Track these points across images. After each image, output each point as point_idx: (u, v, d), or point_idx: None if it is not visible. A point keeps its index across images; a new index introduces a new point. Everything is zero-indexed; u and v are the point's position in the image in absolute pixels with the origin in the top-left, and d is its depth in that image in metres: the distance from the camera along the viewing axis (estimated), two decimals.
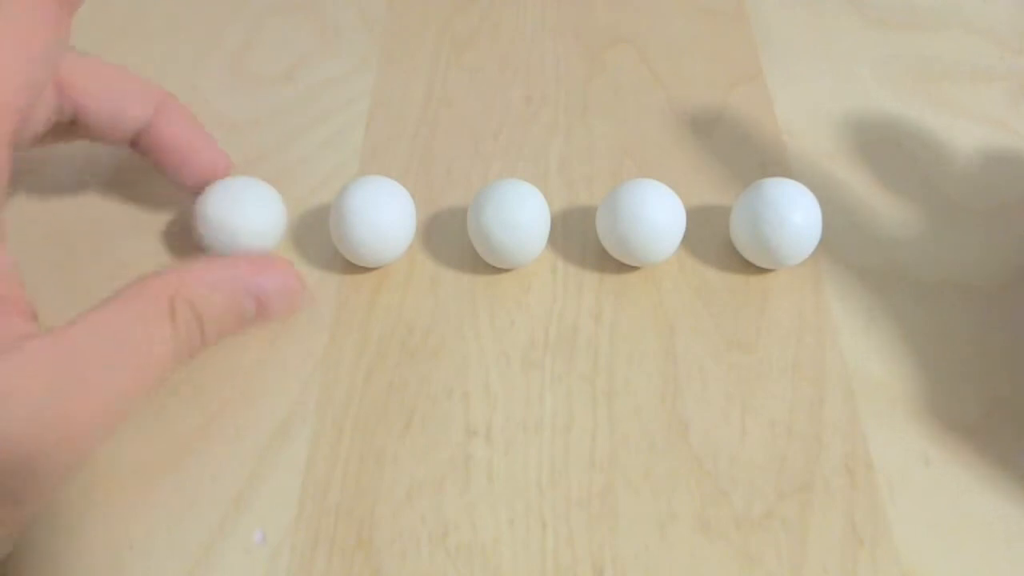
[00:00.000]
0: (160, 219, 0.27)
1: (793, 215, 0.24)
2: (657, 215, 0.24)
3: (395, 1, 0.36)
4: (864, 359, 0.24)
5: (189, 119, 0.26)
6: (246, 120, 0.31)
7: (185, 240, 0.27)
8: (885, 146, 0.30)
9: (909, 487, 0.22)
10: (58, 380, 0.17)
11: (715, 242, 0.27)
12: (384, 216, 0.24)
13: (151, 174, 0.26)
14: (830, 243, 0.27)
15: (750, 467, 0.22)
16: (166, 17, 0.35)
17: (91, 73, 0.24)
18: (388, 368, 0.24)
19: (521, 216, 0.24)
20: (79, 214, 0.27)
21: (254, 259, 0.23)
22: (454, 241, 0.27)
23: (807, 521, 0.21)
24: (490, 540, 0.21)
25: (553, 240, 0.27)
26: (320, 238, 0.27)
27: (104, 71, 0.24)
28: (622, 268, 0.26)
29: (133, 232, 0.27)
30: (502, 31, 0.34)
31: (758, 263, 0.26)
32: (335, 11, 0.35)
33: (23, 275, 0.22)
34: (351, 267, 0.26)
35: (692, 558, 0.21)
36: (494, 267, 0.26)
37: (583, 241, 0.27)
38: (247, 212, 0.25)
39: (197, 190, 0.25)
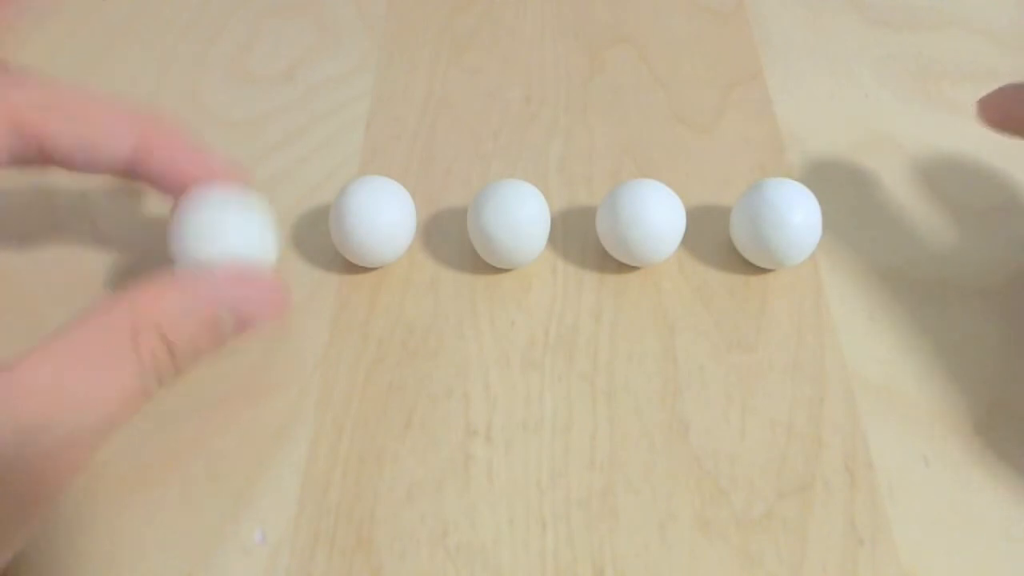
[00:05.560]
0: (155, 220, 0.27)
1: (793, 215, 0.24)
2: (657, 215, 0.24)
3: (395, 1, 0.36)
4: (864, 359, 0.24)
5: (180, 141, 0.23)
6: (246, 120, 0.31)
7: None
8: (885, 146, 0.30)
9: (909, 487, 0.22)
10: (12, 421, 0.16)
11: (715, 242, 0.27)
12: (384, 216, 0.24)
13: None
14: (830, 243, 0.27)
15: (750, 467, 0.22)
16: (166, 17, 0.35)
17: (55, 107, 0.21)
18: (388, 368, 0.24)
19: (521, 216, 0.24)
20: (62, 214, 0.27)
21: (231, 270, 0.21)
22: (454, 241, 0.27)
23: (807, 521, 0.21)
24: (490, 540, 0.21)
25: (553, 240, 0.27)
26: (320, 238, 0.27)
27: (72, 104, 0.22)
28: (622, 268, 0.26)
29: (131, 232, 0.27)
30: (502, 31, 0.34)
31: (758, 263, 0.26)
32: (335, 11, 0.35)
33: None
34: (351, 267, 0.26)
35: (692, 558, 0.21)
36: (494, 267, 0.26)
37: (583, 241, 0.27)
38: (228, 235, 0.22)
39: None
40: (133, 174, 0.23)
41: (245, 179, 0.23)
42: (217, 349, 0.20)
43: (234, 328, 0.20)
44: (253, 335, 0.21)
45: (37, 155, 0.21)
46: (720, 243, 0.27)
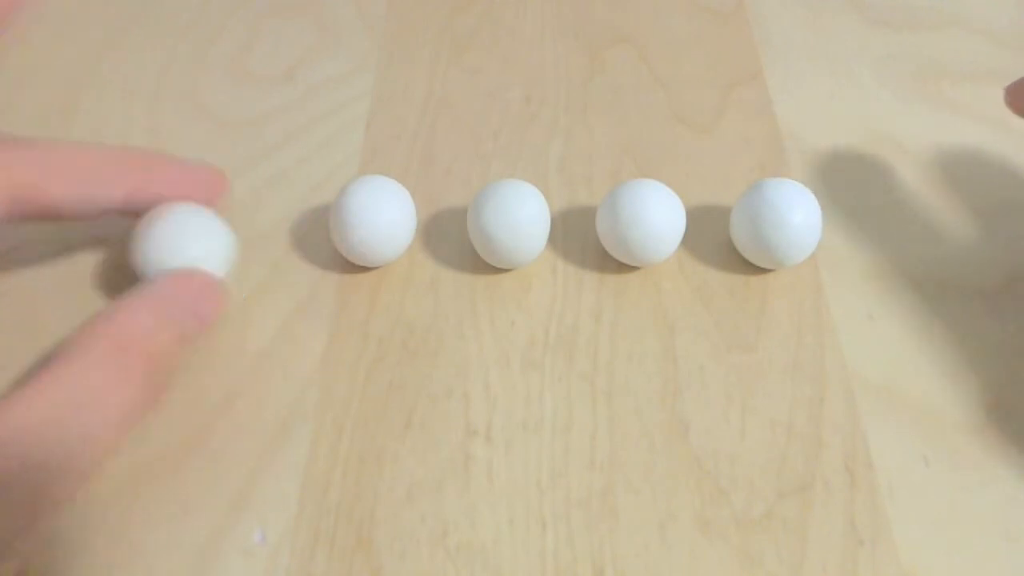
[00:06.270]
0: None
1: (793, 215, 0.24)
2: (657, 215, 0.24)
3: (395, 1, 0.36)
4: (864, 359, 0.24)
5: (165, 169, 0.24)
6: (246, 120, 0.31)
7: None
8: (885, 146, 0.30)
9: (909, 487, 0.22)
10: (13, 460, 0.17)
11: (715, 242, 0.27)
12: (384, 216, 0.24)
13: None
14: (830, 243, 0.27)
15: (750, 467, 0.22)
16: (166, 17, 0.35)
17: (49, 169, 0.22)
18: (388, 368, 0.24)
19: (521, 216, 0.24)
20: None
21: (184, 278, 0.22)
22: (454, 241, 0.27)
23: (807, 521, 0.21)
24: (490, 540, 0.21)
25: (553, 240, 0.27)
26: (320, 238, 0.27)
27: (64, 161, 0.23)
28: (622, 268, 0.26)
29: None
30: (502, 31, 0.34)
31: (758, 263, 0.26)
32: (335, 11, 0.35)
33: None
34: (351, 267, 0.26)
35: (692, 558, 0.21)
36: (494, 267, 0.26)
37: (583, 241, 0.27)
38: (192, 247, 0.23)
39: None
40: (129, 210, 0.24)
41: (223, 187, 0.25)
42: (185, 353, 0.21)
43: (196, 331, 0.22)
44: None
45: (34, 212, 0.22)
46: (720, 243, 0.27)
